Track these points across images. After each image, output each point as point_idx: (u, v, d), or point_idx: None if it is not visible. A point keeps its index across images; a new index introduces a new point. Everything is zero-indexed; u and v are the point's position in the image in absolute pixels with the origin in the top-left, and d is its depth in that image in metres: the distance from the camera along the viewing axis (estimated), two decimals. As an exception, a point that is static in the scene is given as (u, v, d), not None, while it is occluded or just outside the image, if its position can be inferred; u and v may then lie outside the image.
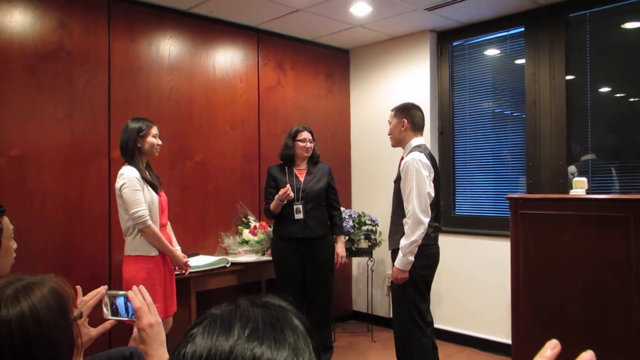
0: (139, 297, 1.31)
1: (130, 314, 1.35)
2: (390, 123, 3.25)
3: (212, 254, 3.99)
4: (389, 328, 4.73)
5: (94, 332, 1.47)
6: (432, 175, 2.99)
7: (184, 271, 3.22)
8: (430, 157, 3.06)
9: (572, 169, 3.78)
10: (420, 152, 3.01)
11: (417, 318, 2.95)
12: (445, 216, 4.57)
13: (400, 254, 2.91)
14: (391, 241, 3.11)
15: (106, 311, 1.39)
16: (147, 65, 3.81)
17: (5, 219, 1.85)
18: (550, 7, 3.95)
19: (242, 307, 0.68)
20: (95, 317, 1.48)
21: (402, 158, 3.12)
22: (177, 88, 3.98)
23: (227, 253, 3.98)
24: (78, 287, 1.20)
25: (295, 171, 3.73)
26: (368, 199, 5.02)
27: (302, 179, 3.69)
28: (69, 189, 3.42)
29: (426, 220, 2.87)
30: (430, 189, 2.93)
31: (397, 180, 3.09)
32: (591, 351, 0.51)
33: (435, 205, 2.99)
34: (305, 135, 3.77)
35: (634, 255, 2.26)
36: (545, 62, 3.98)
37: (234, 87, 4.33)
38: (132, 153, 3.03)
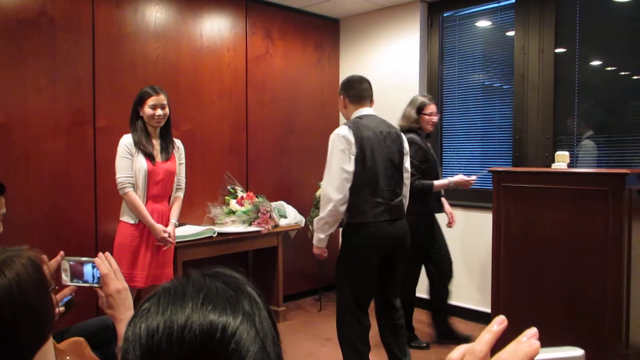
0: (106, 264, 1.34)
1: (94, 280, 1.36)
2: None
3: (199, 224, 4.01)
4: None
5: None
6: (354, 149, 2.72)
7: (164, 245, 3.11)
8: (365, 131, 2.78)
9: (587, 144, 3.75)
10: (346, 125, 2.81)
11: (348, 299, 2.80)
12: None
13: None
14: None
15: (65, 277, 1.38)
16: (133, 33, 3.76)
17: (2, 200, 1.85)
18: (541, -21, 3.91)
19: (194, 278, 0.69)
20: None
21: None
22: (164, 56, 3.93)
23: (214, 223, 4.00)
24: (44, 256, 1.20)
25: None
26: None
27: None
28: (54, 158, 3.40)
29: (336, 196, 2.69)
30: (345, 163, 2.71)
31: None
32: (535, 328, 0.52)
33: (370, 180, 2.75)
34: (433, 108, 3.57)
35: (611, 227, 2.30)
36: (535, 35, 3.96)
37: (221, 56, 4.29)
38: (132, 120, 3.08)
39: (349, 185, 2.72)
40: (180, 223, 3.88)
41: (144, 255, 3.07)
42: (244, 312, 0.65)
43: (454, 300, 4.32)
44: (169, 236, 3.09)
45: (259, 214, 4.02)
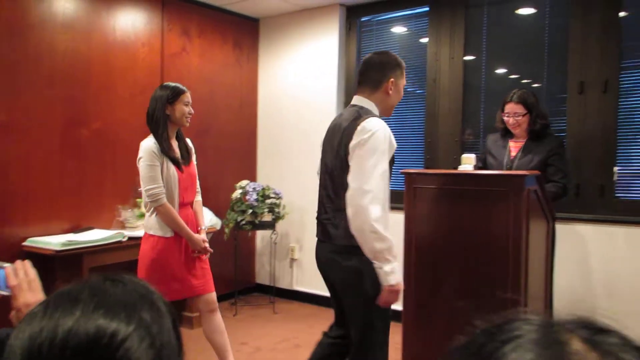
0: (20, 274, 1.23)
1: (5, 288, 1.26)
2: None
3: (107, 228, 3.83)
4: (291, 300, 4.82)
5: None
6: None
7: (204, 254, 2.94)
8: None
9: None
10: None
11: (384, 342, 2.33)
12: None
13: None
14: None
15: None
16: (39, 23, 3.53)
17: None
18: (452, -11, 4.08)
19: (93, 282, 0.66)
20: None
21: None
22: (73, 49, 3.72)
23: (124, 227, 3.83)
24: None
25: (511, 144, 3.25)
26: (275, 172, 5.02)
27: (513, 155, 3.20)
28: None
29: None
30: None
31: None
32: None
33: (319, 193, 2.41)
34: (510, 107, 3.16)
35: (512, 225, 2.43)
36: (446, 42, 4.13)
37: (135, 52, 4.13)
38: (157, 122, 2.79)
39: None
40: (87, 227, 3.70)
41: (185, 267, 2.85)
42: (140, 320, 0.62)
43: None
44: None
45: (174, 215, 3.90)
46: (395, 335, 2.44)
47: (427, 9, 4.26)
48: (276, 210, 4.52)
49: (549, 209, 2.80)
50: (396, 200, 4.21)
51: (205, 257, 2.96)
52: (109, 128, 3.95)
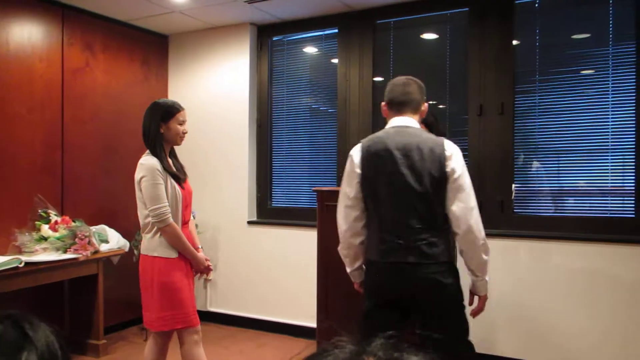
0: None
1: None
2: None
3: (2, 253, 3.54)
4: (206, 321, 4.68)
5: None
6: (359, 171, 2.35)
7: (206, 276, 2.79)
8: (375, 147, 2.34)
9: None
10: (361, 142, 2.42)
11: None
12: (262, 208, 4.66)
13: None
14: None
15: None
16: None
17: None
18: (360, 12, 4.22)
19: None
20: None
21: None
22: (-41, 63, 3.45)
23: (21, 252, 3.56)
24: None
25: None
26: (186, 191, 4.89)
27: None
28: None
29: (342, 226, 2.40)
30: (347, 187, 2.38)
31: None
32: None
33: (377, 211, 2.33)
34: None
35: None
36: (356, 63, 4.26)
37: (32, 66, 3.88)
38: (154, 140, 2.68)
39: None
40: (-22, 253, 3.40)
41: (191, 289, 2.71)
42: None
43: (286, 319, 4.39)
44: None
45: (76, 239, 3.68)
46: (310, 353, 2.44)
47: (336, 30, 4.38)
48: (188, 230, 4.40)
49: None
50: (311, 217, 4.27)
51: (210, 277, 2.88)
52: (3, 145, 3.67)
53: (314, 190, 2.93)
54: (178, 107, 2.77)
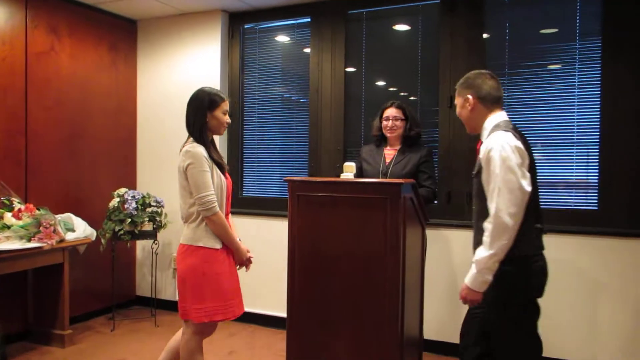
0: None
1: None
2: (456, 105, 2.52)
3: (-37, 241, 3.44)
4: (173, 311, 4.65)
5: None
6: (527, 161, 2.21)
7: (245, 268, 2.78)
8: (521, 137, 2.30)
9: None
10: (506, 131, 2.24)
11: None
12: (233, 197, 4.61)
13: (473, 268, 2.24)
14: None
15: None
16: None
17: None
18: (333, 2, 4.21)
19: None
20: None
21: (480, 142, 2.39)
22: None
23: (-17, 240, 3.46)
24: None
25: (385, 151, 3.48)
26: (154, 179, 4.82)
27: (387, 161, 3.44)
28: None
29: (513, 224, 2.13)
30: (524, 181, 2.15)
31: (478, 174, 2.30)
32: None
33: (534, 201, 2.28)
34: (390, 112, 3.46)
35: (389, 231, 2.55)
36: (328, 53, 4.24)
37: (-6, 49, 3.76)
38: (199, 128, 2.62)
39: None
40: (-63, 241, 3.29)
41: (235, 279, 2.72)
42: None
43: (258, 309, 4.38)
44: None
45: (41, 227, 3.60)
46: (280, 342, 2.46)
47: (308, 19, 4.35)
48: (157, 219, 4.34)
49: (423, 215, 2.98)
50: (282, 207, 4.26)
51: (248, 269, 2.86)
52: (-38, 132, 3.55)
53: (285, 180, 2.92)
54: (223, 97, 2.71)
